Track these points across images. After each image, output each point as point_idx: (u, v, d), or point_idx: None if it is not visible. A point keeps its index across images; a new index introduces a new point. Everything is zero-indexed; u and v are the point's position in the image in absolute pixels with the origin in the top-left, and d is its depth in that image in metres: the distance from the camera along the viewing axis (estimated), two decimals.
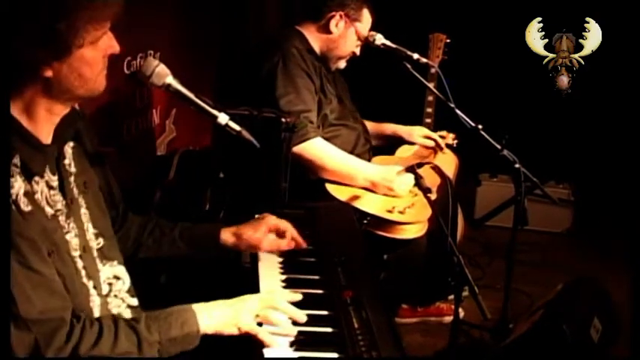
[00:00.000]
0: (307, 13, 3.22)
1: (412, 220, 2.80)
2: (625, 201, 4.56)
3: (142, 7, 2.85)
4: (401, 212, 2.79)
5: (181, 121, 3.46)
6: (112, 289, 1.77)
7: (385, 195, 2.93)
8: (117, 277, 1.80)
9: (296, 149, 2.81)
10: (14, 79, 1.53)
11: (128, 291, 1.83)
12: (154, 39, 3.07)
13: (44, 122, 1.61)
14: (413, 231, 2.81)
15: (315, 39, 3.17)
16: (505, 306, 3.10)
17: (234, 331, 1.70)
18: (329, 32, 3.15)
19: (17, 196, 1.49)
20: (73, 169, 1.73)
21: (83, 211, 1.73)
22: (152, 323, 1.62)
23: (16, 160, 1.52)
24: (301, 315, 1.77)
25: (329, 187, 2.92)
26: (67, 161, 1.71)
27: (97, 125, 2.57)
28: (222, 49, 3.96)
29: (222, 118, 1.92)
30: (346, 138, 3.18)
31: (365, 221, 2.74)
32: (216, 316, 1.69)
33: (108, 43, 1.63)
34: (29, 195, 1.52)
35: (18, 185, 1.50)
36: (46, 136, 1.62)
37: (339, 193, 2.89)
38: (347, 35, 3.16)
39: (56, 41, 1.50)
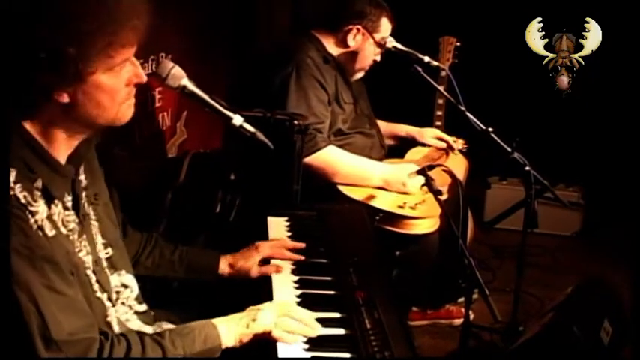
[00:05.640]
0: (324, 22, 3.22)
1: (423, 215, 2.83)
2: (634, 204, 4.55)
3: (153, 10, 2.85)
4: (412, 208, 2.83)
5: (192, 123, 3.46)
6: (120, 297, 1.78)
7: (398, 193, 2.96)
8: (125, 285, 1.80)
9: (307, 160, 2.84)
10: (29, 101, 1.49)
11: (136, 298, 1.84)
12: (166, 42, 3.08)
13: (63, 145, 1.58)
14: (424, 226, 2.84)
15: (332, 48, 3.18)
16: (515, 308, 3.10)
17: (252, 336, 1.71)
18: (346, 46, 3.15)
19: (42, 220, 1.47)
20: (84, 183, 1.72)
21: (93, 223, 1.73)
22: (176, 338, 1.63)
23: (39, 184, 1.50)
24: (316, 326, 1.78)
25: (341, 187, 2.95)
26: (81, 177, 1.70)
27: (109, 128, 2.58)
28: (232, 52, 3.97)
29: (237, 120, 1.93)
30: (360, 144, 3.20)
31: (377, 217, 2.77)
32: (235, 328, 1.71)
33: (132, 72, 1.58)
34: (51, 219, 1.51)
35: (42, 209, 1.48)
36: (63, 158, 1.60)
37: (351, 192, 2.92)
38: (365, 48, 3.16)
39: (66, 66, 1.44)
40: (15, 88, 1.45)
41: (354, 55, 3.18)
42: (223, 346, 1.68)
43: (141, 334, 1.63)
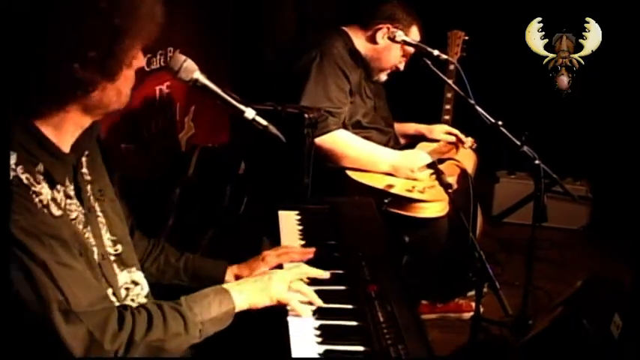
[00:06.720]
0: (356, 18, 3.27)
1: (432, 198, 2.84)
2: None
3: (164, 2, 2.85)
4: (421, 191, 2.85)
5: (200, 118, 3.47)
6: (129, 294, 1.78)
7: (407, 178, 2.99)
8: (135, 283, 1.81)
9: (317, 141, 2.86)
10: (59, 98, 1.52)
11: (146, 296, 1.84)
12: (173, 36, 3.08)
13: (69, 134, 1.60)
14: (433, 210, 2.86)
15: (360, 44, 3.23)
16: (524, 302, 3.09)
17: (267, 302, 1.77)
18: (375, 42, 3.21)
19: (47, 201, 1.49)
20: (88, 177, 1.73)
21: (100, 219, 1.73)
22: (193, 305, 1.65)
23: (40, 168, 1.51)
24: (326, 274, 1.92)
25: (349, 172, 2.98)
26: (84, 170, 1.71)
27: (118, 123, 2.59)
28: (237, 46, 3.97)
29: (250, 113, 1.93)
30: (376, 140, 3.23)
31: (385, 201, 2.79)
32: (248, 291, 1.76)
33: (139, 58, 1.64)
34: (55, 201, 1.52)
35: (45, 191, 1.49)
36: (66, 146, 1.61)
37: (360, 177, 2.96)
38: (392, 48, 3.22)
39: (112, 63, 1.50)
40: (52, 86, 1.47)
41: (379, 54, 3.24)
42: (237, 309, 1.71)
43: (159, 304, 1.64)
